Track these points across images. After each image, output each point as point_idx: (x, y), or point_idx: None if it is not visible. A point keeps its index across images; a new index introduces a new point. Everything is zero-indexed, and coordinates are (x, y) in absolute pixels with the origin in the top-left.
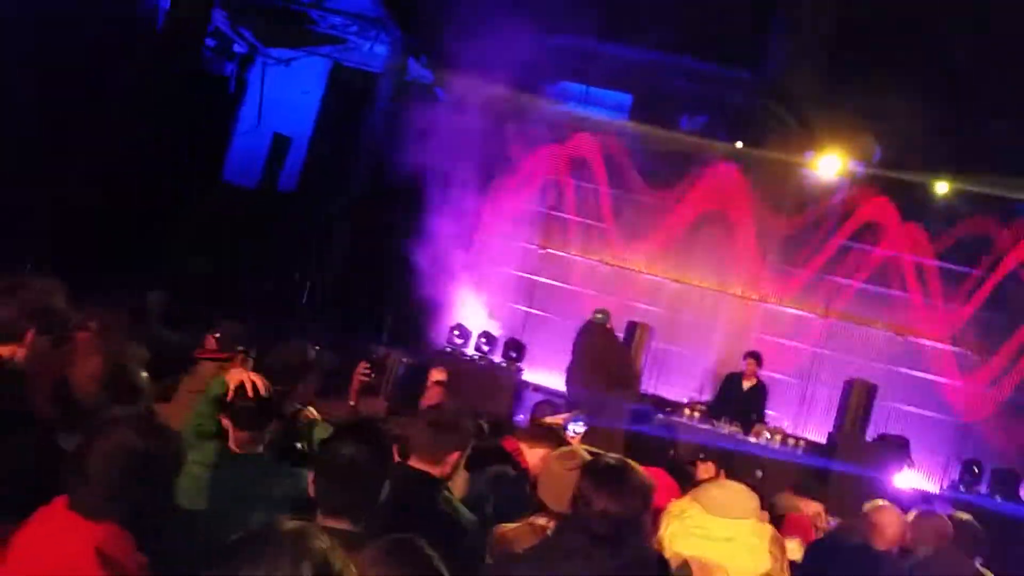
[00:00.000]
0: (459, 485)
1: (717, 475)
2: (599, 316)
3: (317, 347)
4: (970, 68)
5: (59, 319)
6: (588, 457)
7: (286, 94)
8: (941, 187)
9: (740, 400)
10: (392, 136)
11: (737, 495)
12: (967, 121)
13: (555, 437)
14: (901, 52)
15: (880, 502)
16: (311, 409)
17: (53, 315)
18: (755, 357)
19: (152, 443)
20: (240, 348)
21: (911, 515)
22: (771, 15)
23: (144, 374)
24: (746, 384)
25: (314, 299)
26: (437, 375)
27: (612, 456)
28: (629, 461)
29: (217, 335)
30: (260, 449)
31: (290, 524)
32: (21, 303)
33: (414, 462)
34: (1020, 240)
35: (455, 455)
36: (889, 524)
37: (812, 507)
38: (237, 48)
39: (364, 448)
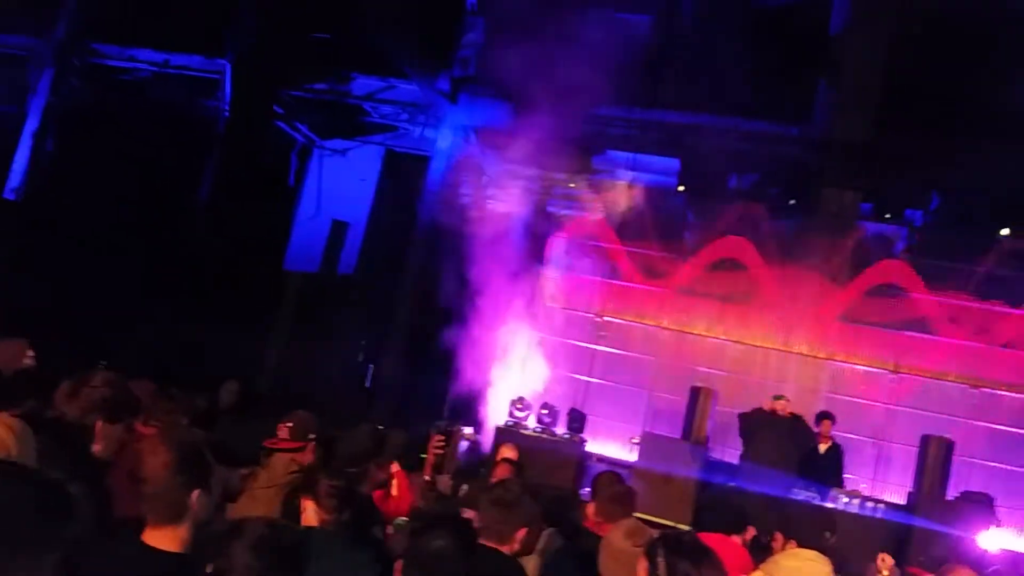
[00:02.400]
0: (532, 564)
1: (787, 543)
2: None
3: (382, 427)
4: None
5: (124, 406)
6: (654, 533)
7: (343, 182)
8: (1004, 230)
9: (816, 464)
10: (446, 214)
11: (809, 563)
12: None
13: (625, 510)
14: (950, 97)
15: (957, 567)
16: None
17: (117, 404)
18: (829, 418)
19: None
20: (312, 436)
21: None
22: (817, 69)
23: (211, 459)
24: (822, 447)
25: (377, 380)
26: (507, 452)
27: (683, 530)
28: (699, 542)
29: (290, 424)
30: (338, 531)
31: None
32: (86, 399)
33: (484, 540)
34: None
35: (522, 532)
36: None
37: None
38: (296, 141)
39: (451, 540)
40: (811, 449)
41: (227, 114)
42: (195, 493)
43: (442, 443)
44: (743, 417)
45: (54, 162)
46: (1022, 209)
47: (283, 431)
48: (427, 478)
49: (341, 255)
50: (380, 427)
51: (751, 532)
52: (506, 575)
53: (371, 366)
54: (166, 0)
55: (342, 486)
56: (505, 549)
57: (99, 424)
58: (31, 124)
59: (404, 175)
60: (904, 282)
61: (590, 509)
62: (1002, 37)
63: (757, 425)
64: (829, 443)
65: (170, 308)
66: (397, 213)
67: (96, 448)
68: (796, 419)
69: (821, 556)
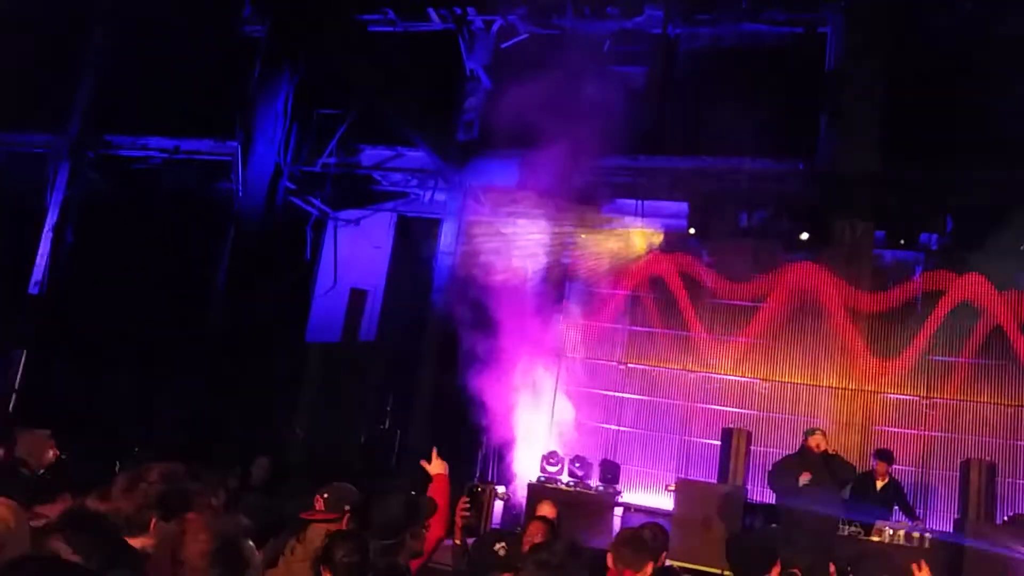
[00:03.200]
0: None
1: None
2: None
3: (414, 493)
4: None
5: (180, 502)
6: None
7: (358, 250)
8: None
9: (876, 501)
10: (461, 275)
11: None
12: None
13: (645, 552)
14: (951, 121)
15: None
16: None
17: (173, 500)
18: (884, 457)
19: None
20: (347, 507)
21: None
22: (817, 104)
23: (251, 544)
24: (879, 483)
25: (405, 444)
26: (545, 509)
27: None
28: None
29: (325, 495)
30: None
31: None
32: (142, 495)
33: None
34: None
35: None
36: None
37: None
38: (310, 215)
39: None
40: (869, 486)
41: (240, 195)
42: None
43: (468, 505)
44: (775, 466)
45: (74, 253)
46: None
47: (319, 503)
48: (457, 542)
49: (361, 323)
50: (412, 493)
51: (776, 570)
52: None
53: (398, 431)
54: (175, 88)
55: (355, 559)
56: None
57: (153, 520)
58: (51, 218)
59: (417, 239)
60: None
61: (609, 559)
62: (997, 59)
63: (790, 467)
64: (887, 479)
65: (196, 390)
66: (413, 277)
67: (146, 543)
68: (828, 457)
69: None
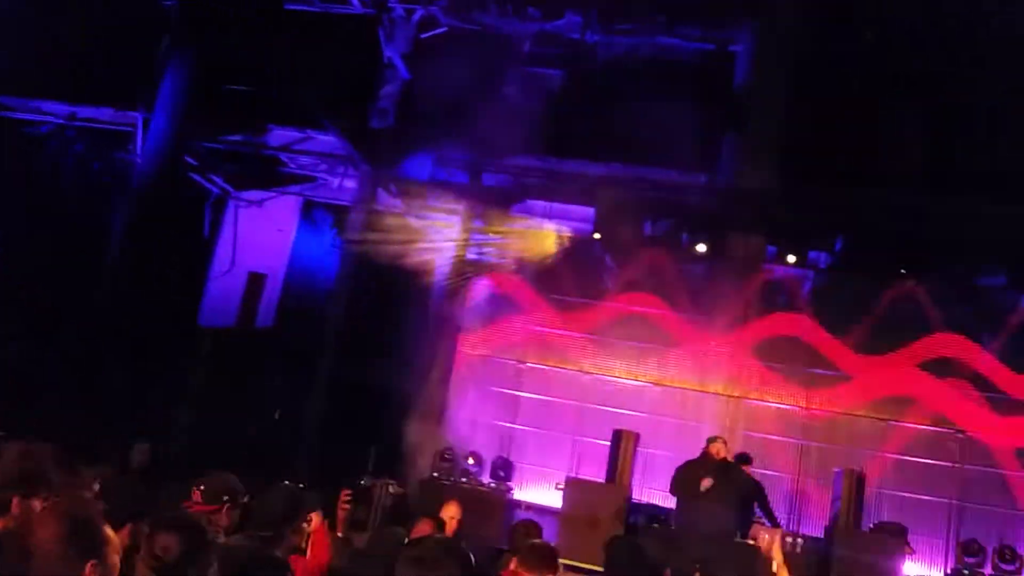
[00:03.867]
0: None
1: None
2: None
3: (302, 486)
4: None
5: (42, 482)
6: None
7: (259, 233)
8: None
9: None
10: (367, 264)
11: None
12: (923, 200)
13: (552, 562)
14: (851, 145)
15: None
16: None
17: (34, 479)
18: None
19: None
20: (226, 499)
21: None
22: (722, 120)
23: (107, 528)
24: None
25: (299, 436)
26: (451, 510)
27: None
28: None
29: (202, 487)
30: None
31: None
32: (1, 474)
33: None
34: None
35: None
36: None
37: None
38: (210, 193)
39: None
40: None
41: (138, 167)
42: (89, 564)
43: (349, 497)
44: (678, 470)
45: None
46: (917, 251)
47: (196, 494)
48: (340, 535)
49: (259, 308)
50: (300, 486)
51: None
52: None
53: (292, 422)
54: (76, 52)
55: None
56: None
57: (15, 500)
58: None
59: (323, 225)
60: (804, 333)
61: (512, 563)
62: (894, 87)
63: (692, 472)
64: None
65: (80, 368)
66: (316, 264)
67: (8, 524)
68: (727, 465)
69: None
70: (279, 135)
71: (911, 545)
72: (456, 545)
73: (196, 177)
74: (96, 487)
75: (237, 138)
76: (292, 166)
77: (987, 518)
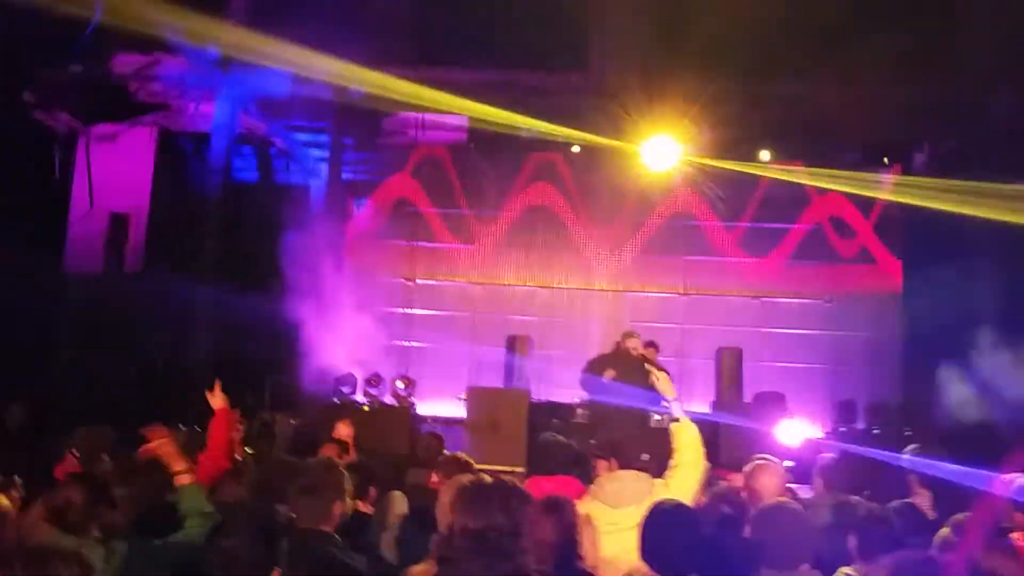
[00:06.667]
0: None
1: (611, 468)
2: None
3: (183, 427)
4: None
5: None
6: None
7: (117, 170)
8: (764, 155)
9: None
10: (237, 192)
11: (630, 482)
12: (781, 90)
13: (461, 466)
14: (714, 34)
15: (757, 460)
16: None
17: None
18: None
19: None
20: (103, 456)
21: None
22: (588, 18)
23: None
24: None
25: (184, 378)
26: (342, 430)
27: (489, 477)
28: (502, 478)
29: (75, 451)
30: None
31: None
32: None
33: (304, 524)
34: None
35: (337, 508)
36: (767, 481)
37: None
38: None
39: (248, 539)
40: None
41: None
42: None
43: (239, 419)
44: (587, 363)
45: None
46: (781, 133)
47: (71, 459)
48: (238, 458)
49: (125, 250)
50: (182, 427)
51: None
52: (327, 551)
53: (174, 366)
54: None
55: None
56: (327, 527)
57: None
58: None
59: (184, 156)
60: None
61: (433, 476)
62: None
63: (600, 365)
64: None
65: None
66: (182, 197)
67: None
68: (641, 359)
69: (641, 474)
70: (125, 61)
71: (790, 409)
72: (334, 465)
73: (39, 114)
74: None
75: (79, 68)
76: (142, 94)
77: (857, 379)
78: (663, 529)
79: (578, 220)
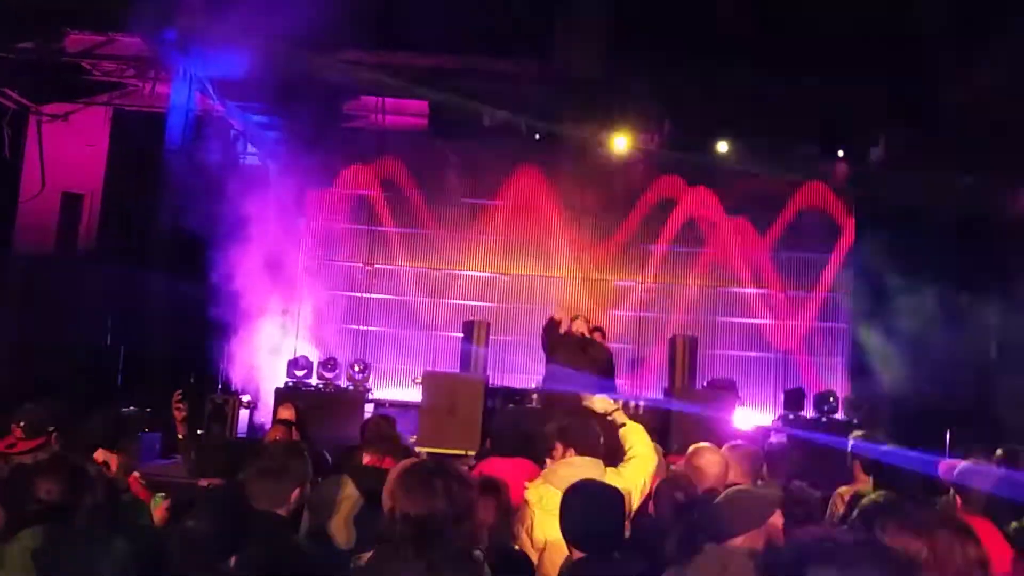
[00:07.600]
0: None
1: (565, 453)
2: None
3: (133, 409)
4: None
5: None
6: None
7: (69, 150)
8: (722, 147)
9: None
10: (191, 176)
11: (583, 468)
12: (744, 85)
13: (398, 450)
14: (676, 28)
15: (701, 444)
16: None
17: None
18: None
19: None
20: (51, 429)
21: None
22: (550, 5)
23: None
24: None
25: (136, 360)
26: (284, 412)
27: (428, 460)
28: (445, 463)
29: (22, 423)
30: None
31: None
32: None
33: (260, 507)
34: (797, 188)
35: (295, 492)
36: (708, 465)
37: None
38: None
39: (212, 522)
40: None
41: None
42: None
43: (180, 397)
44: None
45: None
46: (738, 123)
47: (16, 431)
48: (180, 436)
49: (79, 231)
50: (127, 409)
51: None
52: (282, 536)
53: (123, 346)
54: None
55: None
56: (283, 512)
57: None
58: None
59: (138, 136)
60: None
61: (365, 456)
62: None
63: (555, 344)
64: None
65: None
66: (136, 178)
67: None
68: (586, 341)
69: (594, 460)
70: (77, 40)
71: (741, 397)
72: (298, 447)
73: None
74: None
75: (29, 46)
76: (96, 73)
77: (807, 368)
78: (578, 507)
79: (538, 207)
